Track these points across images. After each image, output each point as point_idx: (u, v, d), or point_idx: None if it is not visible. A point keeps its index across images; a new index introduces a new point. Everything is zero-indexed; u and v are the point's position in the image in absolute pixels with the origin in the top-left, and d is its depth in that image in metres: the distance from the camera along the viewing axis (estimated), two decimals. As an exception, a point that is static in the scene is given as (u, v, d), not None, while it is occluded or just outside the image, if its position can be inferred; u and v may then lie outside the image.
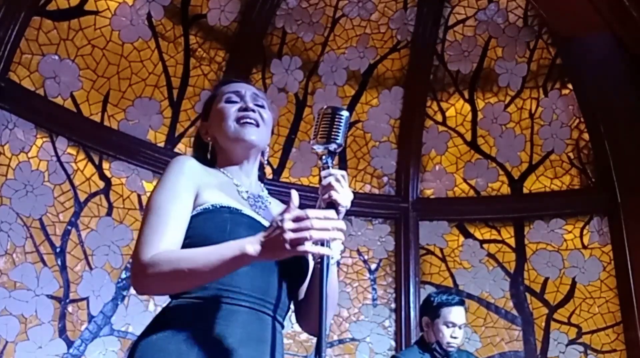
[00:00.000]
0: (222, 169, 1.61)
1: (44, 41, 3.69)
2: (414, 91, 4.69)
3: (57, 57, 3.74)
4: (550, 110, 4.60)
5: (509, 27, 4.62)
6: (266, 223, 1.49)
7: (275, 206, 1.63)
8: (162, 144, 4.10)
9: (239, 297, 1.41)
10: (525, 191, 4.59)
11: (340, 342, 4.35)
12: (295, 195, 1.32)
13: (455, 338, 3.11)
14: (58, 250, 3.60)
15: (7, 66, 3.50)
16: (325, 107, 1.44)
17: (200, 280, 1.36)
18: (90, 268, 3.69)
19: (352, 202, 1.42)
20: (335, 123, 1.41)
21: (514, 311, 4.41)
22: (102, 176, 3.85)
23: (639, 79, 4.15)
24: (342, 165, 4.56)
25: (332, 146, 1.42)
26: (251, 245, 1.29)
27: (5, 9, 3.43)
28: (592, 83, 4.36)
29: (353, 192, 1.44)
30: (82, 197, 3.75)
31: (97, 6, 3.90)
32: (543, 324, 4.36)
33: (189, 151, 3.74)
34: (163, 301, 3.81)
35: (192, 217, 1.44)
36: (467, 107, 4.75)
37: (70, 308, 3.58)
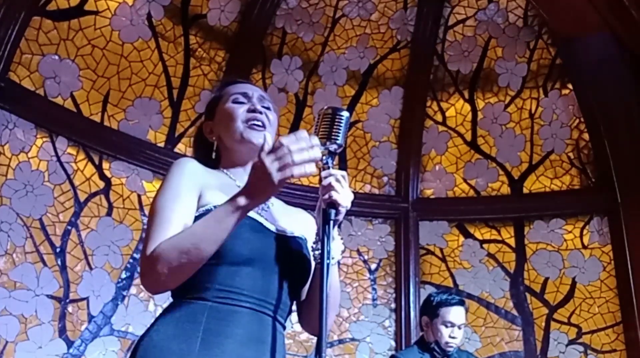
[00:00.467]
0: (224, 171, 1.61)
1: (44, 41, 3.69)
2: (414, 91, 4.69)
3: (57, 57, 3.74)
4: (550, 110, 4.60)
5: (509, 27, 4.62)
6: (269, 225, 1.49)
7: (278, 208, 1.62)
8: (162, 144, 4.10)
9: (239, 298, 1.41)
10: (525, 191, 4.59)
11: (340, 342, 4.35)
12: (269, 137, 1.35)
13: (454, 338, 3.11)
14: (58, 250, 3.60)
15: (7, 66, 3.50)
16: (325, 107, 1.44)
17: (208, 251, 1.35)
18: (90, 268, 3.69)
19: (352, 202, 1.42)
20: (336, 123, 1.40)
21: (514, 311, 4.41)
22: (102, 176, 3.85)
23: (639, 79, 4.15)
24: (342, 165, 4.56)
25: (333, 147, 1.42)
26: (241, 195, 1.33)
27: (5, 9, 3.43)
28: (592, 83, 4.36)
29: (353, 192, 1.43)
30: (82, 197, 3.75)
31: (97, 6, 3.90)
32: (543, 324, 4.36)
33: (189, 151, 3.74)
34: (163, 301, 3.82)
35: (195, 218, 1.44)
36: (467, 107, 4.75)
37: (70, 308, 3.58)
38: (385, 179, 4.71)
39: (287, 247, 1.50)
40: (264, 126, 1.60)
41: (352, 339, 4.37)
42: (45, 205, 3.59)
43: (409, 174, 4.66)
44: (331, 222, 1.37)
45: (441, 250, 4.61)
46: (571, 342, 4.28)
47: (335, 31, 4.64)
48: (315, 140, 1.32)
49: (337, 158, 1.43)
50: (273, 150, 1.29)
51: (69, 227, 3.66)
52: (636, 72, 4.14)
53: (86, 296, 3.65)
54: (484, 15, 4.63)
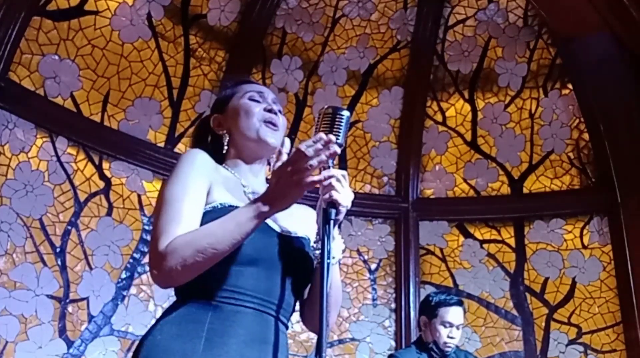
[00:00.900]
0: (229, 167, 1.61)
1: (44, 41, 3.69)
2: (414, 91, 4.69)
3: (57, 57, 3.74)
4: (550, 110, 4.60)
5: (509, 27, 4.62)
6: (273, 225, 1.49)
7: None
8: (162, 144, 4.10)
9: (243, 298, 1.41)
10: (525, 191, 4.59)
11: (340, 342, 4.35)
12: (287, 142, 1.40)
13: (452, 338, 3.11)
14: (58, 250, 3.59)
15: (7, 66, 3.50)
16: (325, 107, 1.43)
17: (223, 252, 1.35)
18: (90, 268, 3.69)
19: (353, 202, 1.42)
20: (336, 123, 1.40)
21: (514, 312, 4.41)
22: (102, 176, 3.85)
23: (639, 79, 4.15)
24: (342, 165, 4.56)
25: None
26: (263, 201, 1.35)
27: (5, 9, 3.44)
28: (592, 83, 4.37)
29: (353, 192, 1.43)
30: (82, 197, 3.75)
31: (97, 6, 3.90)
32: (543, 324, 4.36)
33: (189, 151, 3.73)
34: (163, 301, 3.83)
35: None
36: (467, 107, 4.75)
37: (70, 308, 3.58)
38: (385, 179, 4.71)
39: (291, 247, 1.50)
40: (278, 127, 1.61)
41: (352, 339, 4.37)
42: (45, 205, 3.59)
43: (409, 174, 4.66)
44: (331, 221, 1.37)
45: (441, 250, 4.61)
46: (571, 342, 4.28)
47: (335, 31, 4.64)
48: (332, 137, 1.34)
49: (337, 157, 1.43)
50: (293, 159, 1.32)
51: (69, 227, 3.66)
52: (636, 72, 4.14)
53: (86, 296, 3.65)
54: (484, 15, 4.63)
